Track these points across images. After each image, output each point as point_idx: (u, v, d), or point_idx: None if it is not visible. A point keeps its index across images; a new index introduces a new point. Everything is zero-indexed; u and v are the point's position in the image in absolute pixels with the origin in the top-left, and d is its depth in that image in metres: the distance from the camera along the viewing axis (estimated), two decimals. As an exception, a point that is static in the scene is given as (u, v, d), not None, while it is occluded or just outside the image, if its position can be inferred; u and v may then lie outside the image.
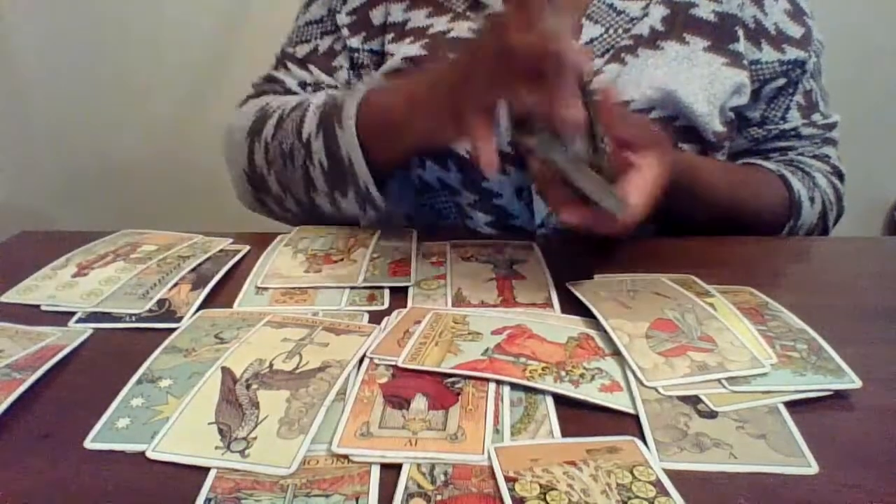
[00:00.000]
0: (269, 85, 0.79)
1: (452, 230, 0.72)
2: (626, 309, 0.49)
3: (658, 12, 0.69)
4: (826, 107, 0.78)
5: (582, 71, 0.46)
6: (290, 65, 0.79)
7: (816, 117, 0.77)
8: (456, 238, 0.65)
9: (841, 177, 0.79)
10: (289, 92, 0.78)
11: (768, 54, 0.72)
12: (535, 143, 0.49)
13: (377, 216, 0.65)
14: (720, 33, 0.69)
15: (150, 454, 0.37)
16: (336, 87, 0.77)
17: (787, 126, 0.76)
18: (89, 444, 0.38)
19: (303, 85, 0.77)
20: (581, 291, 0.53)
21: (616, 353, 0.45)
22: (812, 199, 0.74)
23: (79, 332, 0.49)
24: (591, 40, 0.68)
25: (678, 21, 0.69)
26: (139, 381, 0.43)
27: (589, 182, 0.49)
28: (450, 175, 0.71)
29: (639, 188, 0.52)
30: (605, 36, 0.68)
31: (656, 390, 0.41)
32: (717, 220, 0.67)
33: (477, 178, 0.70)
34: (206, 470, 0.36)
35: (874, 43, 1.58)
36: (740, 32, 0.70)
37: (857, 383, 0.42)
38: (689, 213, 0.67)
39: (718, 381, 0.42)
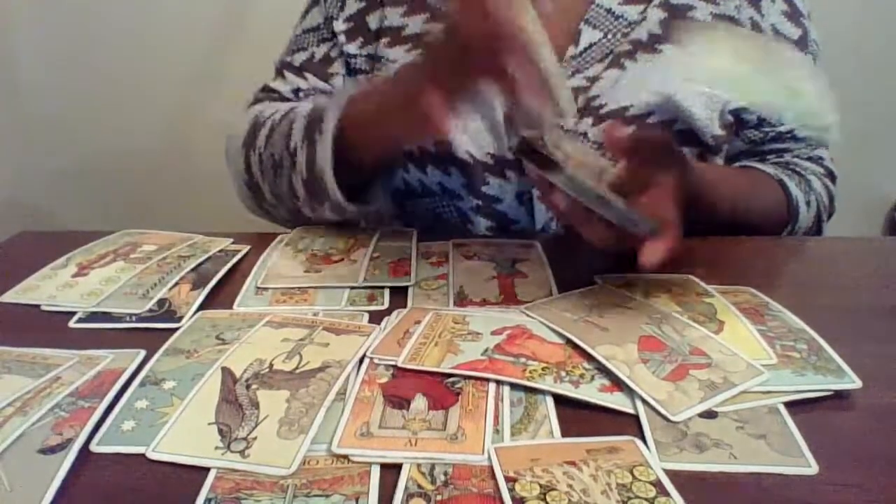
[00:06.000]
0: (266, 94, 0.80)
1: (452, 234, 0.72)
2: (602, 331, 0.47)
3: (656, 15, 0.69)
4: None
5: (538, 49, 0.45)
6: (286, 73, 0.79)
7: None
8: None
9: (833, 178, 0.80)
10: (284, 100, 0.78)
11: None
12: (557, 181, 0.48)
13: (359, 219, 0.67)
14: None
15: (151, 454, 0.37)
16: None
17: (783, 128, 0.77)
18: (95, 447, 0.38)
19: (296, 92, 0.78)
20: (545, 316, 0.50)
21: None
22: (808, 203, 0.75)
23: (132, 355, 0.46)
24: (591, 45, 0.68)
25: (676, 24, 0.68)
26: (142, 384, 0.43)
27: (618, 213, 0.48)
28: (451, 179, 0.71)
29: (660, 205, 0.52)
30: (604, 41, 0.68)
31: (685, 424, 0.39)
32: (720, 227, 0.67)
33: (478, 184, 0.70)
34: (206, 470, 0.36)
35: (874, 42, 1.58)
36: None
37: (857, 383, 0.42)
38: (696, 222, 0.67)
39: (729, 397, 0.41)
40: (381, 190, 0.68)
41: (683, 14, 0.69)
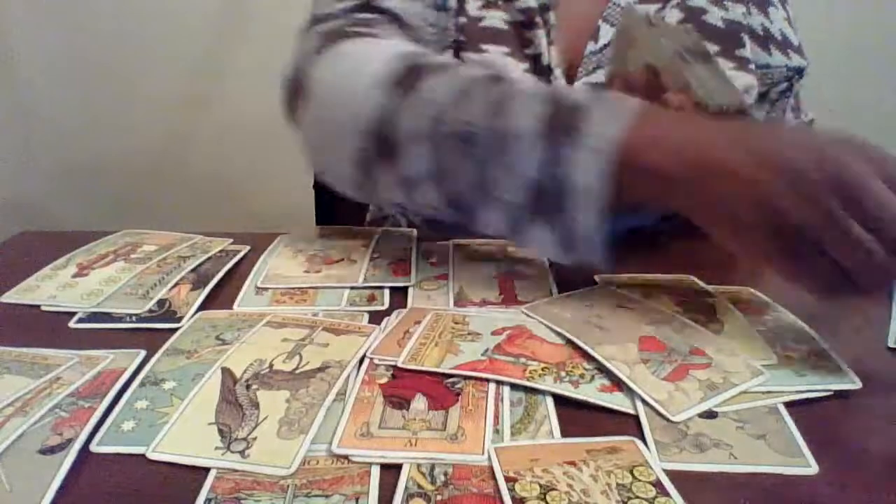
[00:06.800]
0: (366, 15, 0.62)
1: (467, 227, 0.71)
2: (602, 331, 0.47)
3: (673, 16, 0.70)
4: (804, 105, 0.83)
5: None
6: None
7: (803, 116, 0.82)
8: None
9: None
10: (396, 21, 0.63)
11: (777, 59, 0.74)
12: None
13: (569, 259, 0.49)
14: (727, 39, 0.71)
15: (151, 455, 0.37)
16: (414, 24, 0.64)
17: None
18: (95, 447, 0.37)
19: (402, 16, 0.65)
20: (545, 316, 0.49)
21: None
22: None
23: (132, 355, 0.46)
24: (610, 42, 0.69)
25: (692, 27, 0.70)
26: (142, 384, 0.43)
27: None
28: None
29: None
30: None
31: (685, 424, 0.39)
32: None
33: None
34: (206, 470, 0.36)
35: (873, 43, 1.58)
36: (746, 38, 0.72)
37: (857, 383, 0.42)
38: None
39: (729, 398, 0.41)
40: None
41: (698, 17, 0.70)
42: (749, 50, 0.72)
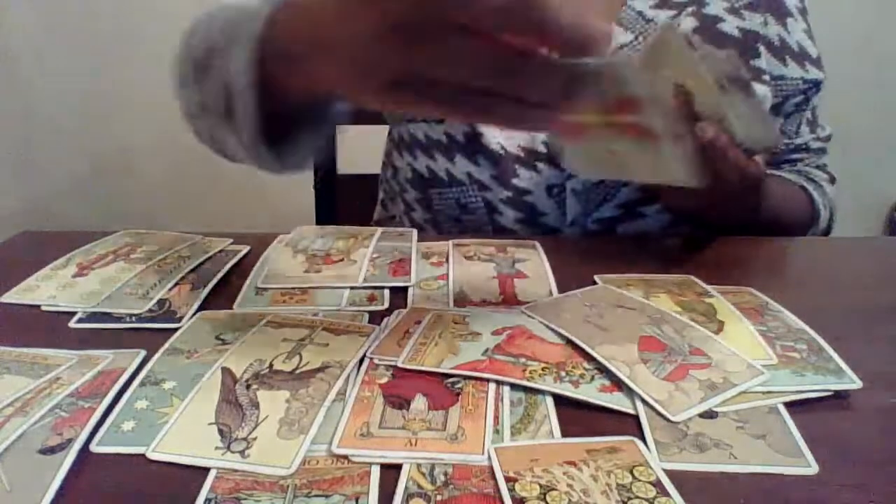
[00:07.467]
0: None
1: (480, 225, 0.72)
2: (602, 331, 0.47)
3: (688, 24, 0.70)
4: (822, 119, 0.83)
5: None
6: None
7: (819, 131, 0.82)
8: (467, 235, 0.66)
9: (834, 182, 0.84)
10: None
11: (793, 71, 0.74)
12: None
13: (256, 163, 0.50)
14: (743, 49, 0.71)
15: (151, 455, 0.37)
16: None
17: (799, 140, 0.80)
18: (95, 447, 0.38)
19: None
20: (545, 316, 0.49)
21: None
22: (824, 206, 0.79)
23: (132, 355, 0.46)
24: (622, 46, 0.69)
25: (706, 35, 0.70)
26: (142, 384, 0.43)
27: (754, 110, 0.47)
28: (480, 170, 0.71)
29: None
30: (635, 43, 0.69)
31: (685, 424, 0.39)
32: (752, 227, 0.68)
33: (509, 175, 0.70)
34: (206, 470, 0.36)
35: (876, 46, 1.58)
36: (762, 48, 0.72)
37: (857, 383, 0.42)
38: (737, 218, 0.67)
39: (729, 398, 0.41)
40: (306, 136, 0.49)
41: (713, 25, 0.70)
42: (764, 60, 0.72)
